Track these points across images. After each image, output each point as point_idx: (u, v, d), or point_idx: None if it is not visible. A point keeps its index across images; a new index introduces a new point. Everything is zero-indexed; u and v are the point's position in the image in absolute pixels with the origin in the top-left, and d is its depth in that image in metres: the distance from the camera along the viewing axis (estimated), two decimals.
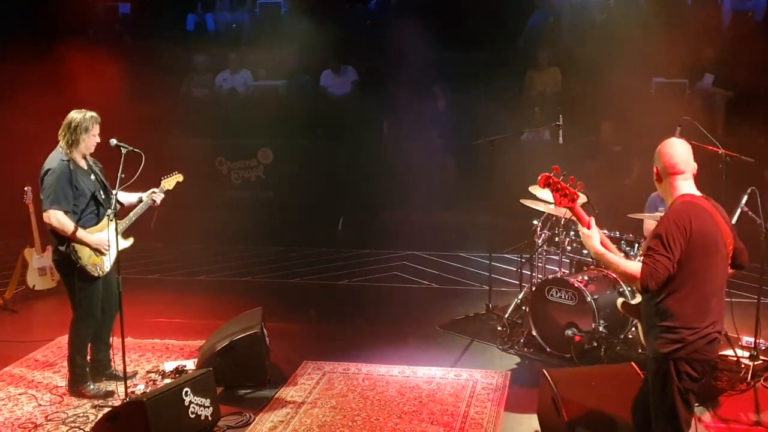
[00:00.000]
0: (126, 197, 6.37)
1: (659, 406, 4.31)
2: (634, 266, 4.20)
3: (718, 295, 4.28)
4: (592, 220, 4.45)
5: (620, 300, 4.79)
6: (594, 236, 4.39)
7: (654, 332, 4.29)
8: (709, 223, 4.21)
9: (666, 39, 10.35)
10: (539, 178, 4.52)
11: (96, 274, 6.09)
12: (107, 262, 6.15)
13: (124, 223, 6.23)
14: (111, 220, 5.95)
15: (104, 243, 6.06)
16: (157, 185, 6.51)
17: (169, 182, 6.62)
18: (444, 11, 12.49)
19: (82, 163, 6.12)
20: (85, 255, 6.02)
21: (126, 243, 6.29)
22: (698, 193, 4.32)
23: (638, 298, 4.53)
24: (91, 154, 6.20)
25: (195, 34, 14.00)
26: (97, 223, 6.12)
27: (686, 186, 4.31)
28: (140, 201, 6.39)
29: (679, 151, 4.34)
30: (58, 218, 5.93)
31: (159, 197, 6.44)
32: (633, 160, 10.73)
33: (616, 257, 4.35)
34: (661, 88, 11.27)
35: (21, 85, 10.97)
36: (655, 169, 4.38)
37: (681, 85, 11.22)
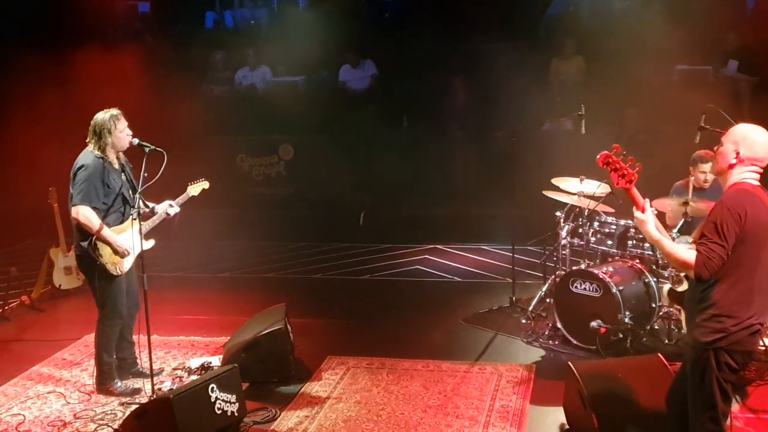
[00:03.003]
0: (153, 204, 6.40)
1: (697, 396, 4.26)
2: (689, 254, 4.13)
3: (764, 286, 4.20)
4: (647, 204, 4.35)
5: (666, 287, 4.73)
6: (648, 220, 4.30)
7: (696, 320, 4.22)
8: (763, 213, 4.14)
9: (688, 25, 10.24)
10: (598, 156, 4.39)
11: (115, 273, 6.13)
12: (127, 263, 6.18)
13: (146, 226, 6.25)
14: (134, 220, 5.98)
15: (126, 247, 6.09)
16: (182, 188, 6.51)
17: (195, 188, 6.63)
18: (462, 2, 12.43)
19: (115, 162, 6.14)
20: (106, 253, 6.05)
21: (147, 244, 6.30)
22: (757, 184, 4.24)
23: (684, 286, 4.46)
24: (124, 152, 6.23)
25: (214, 32, 14.03)
26: (122, 222, 6.15)
27: (752, 177, 4.23)
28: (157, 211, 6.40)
29: None
30: (86, 214, 5.96)
31: (174, 210, 6.41)
32: (656, 148, 10.63)
33: (670, 243, 4.26)
34: (685, 75, 11.14)
35: (42, 85, 11.05)
36: (736, 153, 4.23)
37: (705, 72, 11.08)
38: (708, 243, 4.07)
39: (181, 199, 6.51)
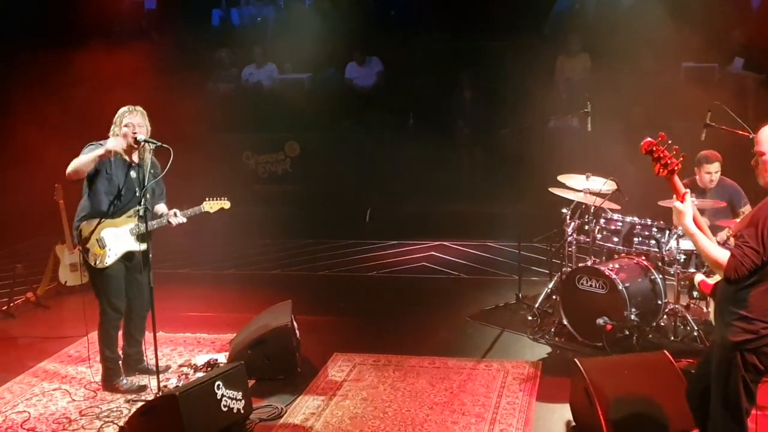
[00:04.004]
0: (160, 209, 6.31)
1: (721, 394, 4.25)
2: (722, 255, 4.10)
3: None
4: (687, 195, 4.30)
5: (699, 277, 4.69)
6: (687, 212, 4.24)
7: (727, 319, 4.20)
8: None
9: (694, 22, 10.21)
10: (642, 143, 4.35)
11: (94, 265, 6.09)
12: (108, 258, 6.09)
13: (137, 229, 6.11)
14: (129, 217, 5.99)
15: (118, 143, 5.95)
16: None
17: (212, 206, 6.42)
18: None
19: (126, 156, 6.08)
20: (89, 239, 6.04)
21: (138, 246, 6.15)
22: None
23: (716, 278, 4.43)
24: (155, 156, 6.17)
25: (220, 29, 14.04)
26: (106, 216, 6.07)
27: None
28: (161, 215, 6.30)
29: None
30: (72, 162, 5.90)
31: (176, 220, 6.21)
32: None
33: (705, 240, 4.21)
34: (691, 72, 11.12)
35: (47, 83, 11.06)
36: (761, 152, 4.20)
37: (710, 69, 11.05)
38: (744, 247, 4.04)
39: (191, 211, 6.32)
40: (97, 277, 6.18)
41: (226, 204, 6.51)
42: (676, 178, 4.30)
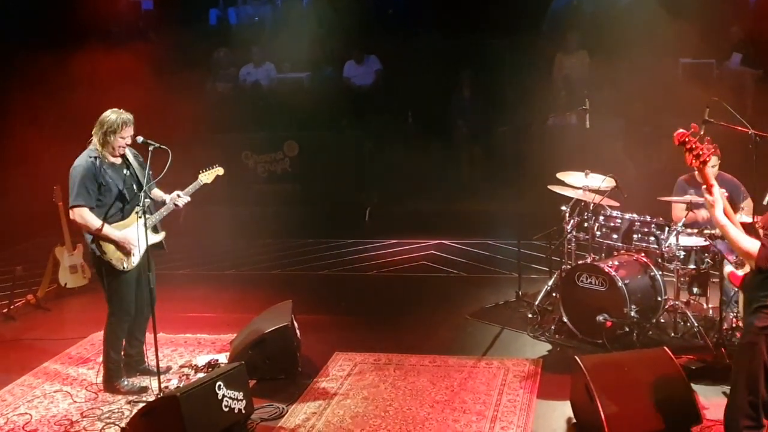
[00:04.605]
0: (159, 194, 6.38)
1: (739, 376, 4.29)
2: (752, 245, 4.18)
3: None
4: (716, 186, 4.34)
5: (728, 269, 4.71)
6: (717, 203, 4.30)
7: (755, 305, 4.27)
8: None
9: (691, 18, 10.21)
10: (675, 134, 4.39)
11: (121, 268, 6.11)
12: (135, 257, 6.16)
13: (153, 218, 6.23)
14: (140, 217, 5.98)
15: (129, 240, 6.07)
16: (189, 181, 6.46)
17: (208, 176, 6.49)
18: None
19: (115, 159, 6.11)
20: (110, 250, 6.05)
21: (156, 237, 6.28)
22: None
23: (746, 269, 4.45)
24: (131, 146, 6.18)
25: (218, 29, 14.05)
26: (122, 218, 6.13)
27: None
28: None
29: None
30: (82, 215, 5.97)
31: (182, 201, 6.30)
32: (662, 143, 10.62)
33: (736, 231, 4.27)
34: (689, 68, 11.13)
35: (45, 84, 11.06)
36: None
37: (708, 65, 11.07)
38: None
39: (192, 188, 6.37)
40: (118, 280, 6.17)
41: (219, 170, 6.57)
42: (707, 170, 4.35)
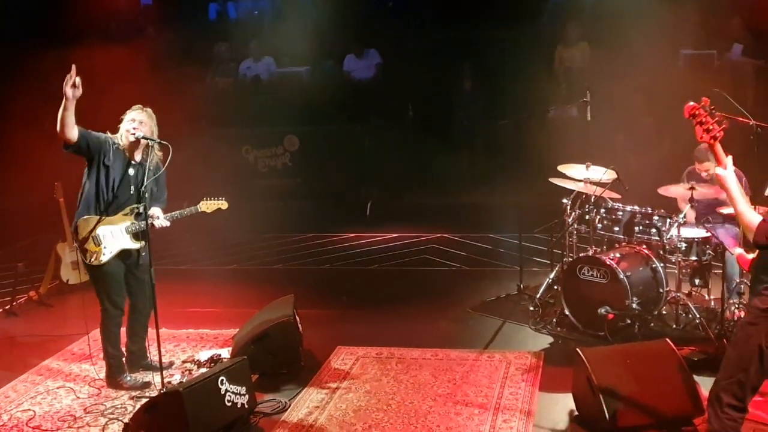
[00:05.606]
0: (153, 210, 6.25)
1: (734, 355, 4.30)
2: (755, 218, 4.18)
3: None
4: (729, 160, 4.32)
5: (737, 251, 4.70)
6: (730, 177, 4.29)
7: (759, 286, 4.27)
8: None
9: (692, 9, 10.19)
10: (685, 106, 4.35)
11: (87, 260, 6.08)
12: (104, 255, 6.08)
13: (136, 226, 6.12)
14: (125, 216, 5.99)
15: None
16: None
17: (209, 206, 6.46)
18: None
19: (128, 152, 6.08)
20: (83, 232, 6.05)
21: (134, 244, 6.17)
22: None
23: (756, 253, 4.46)
24: (161, 160, 6.15)
25: (217, 23, 14.02)
26: (107, 213, 6.06)
27: None
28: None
29: None
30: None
31: (159, 223, 6.19)
32: (663, 134, 10.61)
33: (744, 204, 4.27)
34: (690, 59, 11.10)
35: (45, 80, 11.02)
36: None
37: (709, 56, 11.04)
38: None
39: (187, 212, 6.34)
40: (96, 275, 6.18)
41: (223, 204, 6.52)
42: (718, 146, 4.32)
